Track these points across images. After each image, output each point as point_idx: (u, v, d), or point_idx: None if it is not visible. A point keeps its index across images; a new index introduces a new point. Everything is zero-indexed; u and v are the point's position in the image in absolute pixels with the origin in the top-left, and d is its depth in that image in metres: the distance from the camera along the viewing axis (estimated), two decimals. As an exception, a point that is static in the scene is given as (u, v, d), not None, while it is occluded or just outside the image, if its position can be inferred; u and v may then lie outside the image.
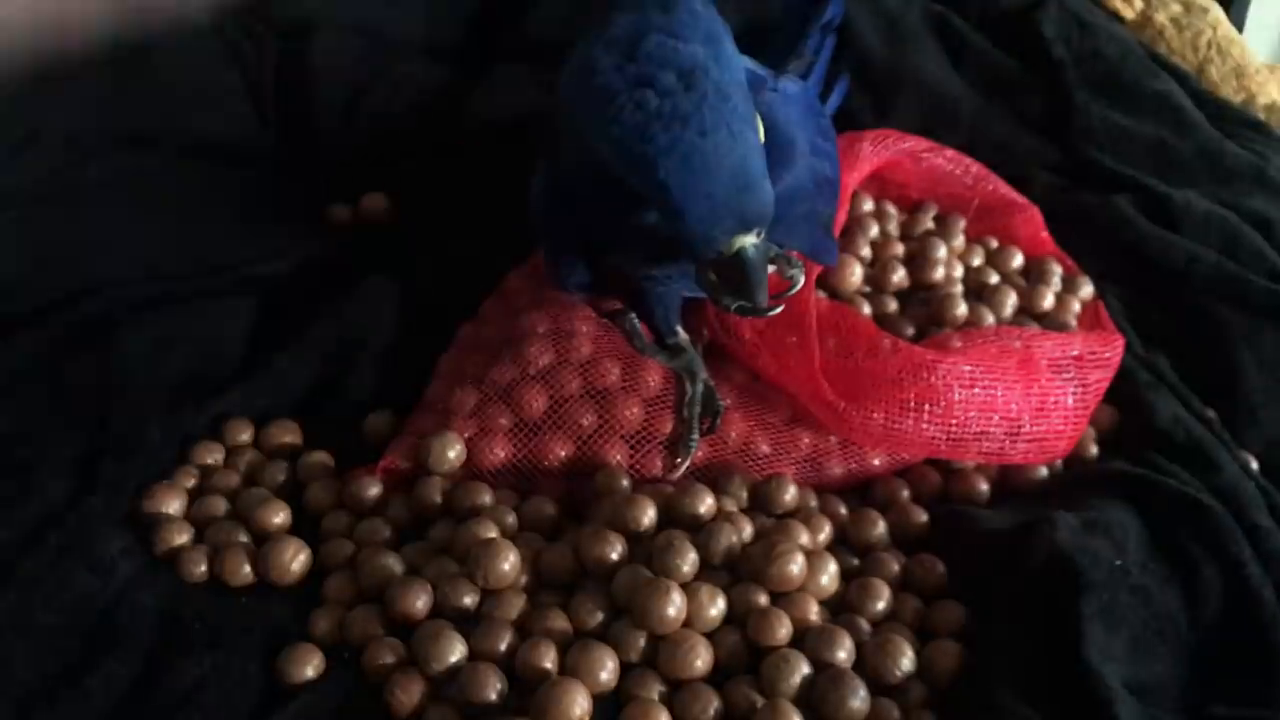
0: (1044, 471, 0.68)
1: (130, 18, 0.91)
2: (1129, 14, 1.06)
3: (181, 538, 0.61)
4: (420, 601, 0.56)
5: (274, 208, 0.84)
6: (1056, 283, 0.79)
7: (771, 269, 0.63)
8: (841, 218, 0.75)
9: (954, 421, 0.63)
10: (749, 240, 0.52)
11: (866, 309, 0.75)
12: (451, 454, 0.63)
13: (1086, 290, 0.79)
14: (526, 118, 0.88)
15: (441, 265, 0.79)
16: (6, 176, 0.77)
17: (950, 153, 0.84)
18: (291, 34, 0.94)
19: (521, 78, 0.94)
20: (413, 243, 0.81)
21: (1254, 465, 0.69)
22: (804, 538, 0.59)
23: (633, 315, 0.68)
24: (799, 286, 0.62)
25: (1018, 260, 0.81)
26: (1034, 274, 0.80)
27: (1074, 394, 0.66)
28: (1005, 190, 0.84)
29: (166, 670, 0.53)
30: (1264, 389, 0.73)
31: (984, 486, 0.66)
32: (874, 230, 0.80)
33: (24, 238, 0.74)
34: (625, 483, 0.63)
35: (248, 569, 0.59)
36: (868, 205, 0.83)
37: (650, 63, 0.50)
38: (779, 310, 0.60)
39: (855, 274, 0.76)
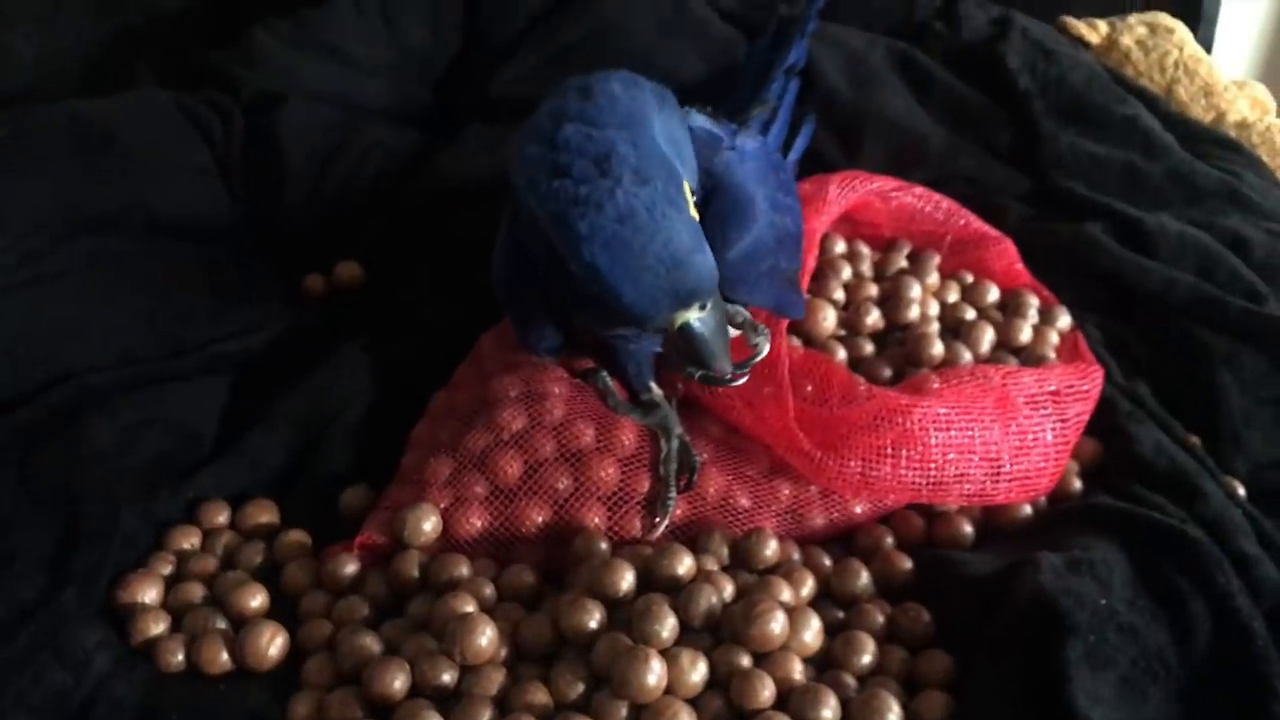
0: (1028, 510, 0.67)
1: (94, 97, 0.91)
2: (1094, 39, 1.06)
3: (158, 627, 0.60)
4: (398, 682, 0.55)
5: (246, 283, 0.84)
6: (1033, 315, 0.78)
7: (737, 333, 0.63)
8: (810, 264, 0.75)
9: (933, 465, 0.63)
10: (691, 315, 0.53)
11: (841, 353, 0.75)
12: (427, 526, 0.63)
13: (1064, 321, 0.79)
14: (495, 179, 0.88)
15: (415, 331, 0.79)
16: (-29, 267, 0.77)
17: (919, 190, 0.83)
18: (258, 107, 0.94)
19: (489, 138, 0.95)
20: (386, 310, 0.81)
21: (1240, 491, 0.68)
22: (786, 594, 0.58)
23: (604, 373, 0.68)
24: (763, 354, 0.63)
25: (993, 294, 0.80)
26: (1010, 307, 0.79)
27: (1053, 429, 0.66)
28: (977, 224, 0.84)
29: (144, 769, 0.52)
30: (1245, 411, 0.73)
31: (968, 529, 0.66)
32: (846, 272, 0.80)
33: (-5, 330, 0.74)
34: (604, 546, 0.62)
35: (225, 656, 0.59)
36: (840, 247, 0.83)
37: (567, 151, 0.51)
38: (743, 381, 0.60)
39: (829, 319, 0.76)
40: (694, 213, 0.53)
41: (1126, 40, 1.05)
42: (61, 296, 0.77)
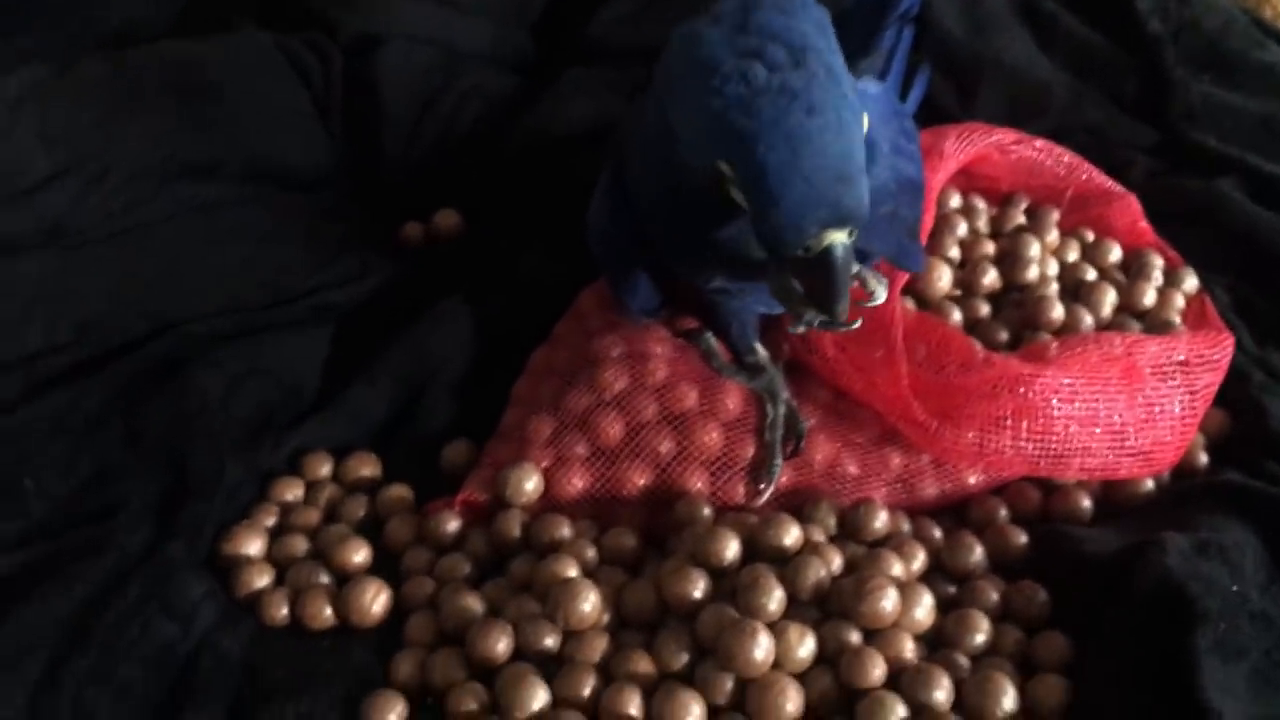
0: (1150, 484, 0.64)
1: (194, 41, 0.91)
2: (1231, -22, 1.00)
3: (262, 580, 0.61)
4: (501, 645, 0.55)
5: (346, 231, 0.83)
6: (1158, 277, 0.75)
7: (853, 282, 0.61)
8: (928, 220, 0.72)
9: (1054, 438, 0.60)
10: (839, 238, 0.49)
11: (956, 315, 0.72)
12: (529, 486, 0.62)
13: (1190, 283, 0.75)
14: (594, 125, 0.86)
15: (514, 285, 0.77)
16: (79, 215, 0.78)
17: (1040, 142, 0.79)
18: (357, 49, 0.93)
19: (589, 82, 0.93)
20: (485, 261, 0.80)
21: (1381, 469, 0.64)
22: (897, 568, 0.57)
23: (709, 334, 0.66)
24: (880, 300, 0.60)
25: (1115, 254, 0.77)
26: (1133, 268, 0.76)
27: (1181, 401, 0.63)
28: (1100, 179, 0.80)
29: (249, 722, 0.53)
30: (1387, 381, 0.69)
31: (1087, 503, 0.63)
32: (962, 228, 0.77)
33: (100, 277, 0.74)
34: (707, 512, 0.61)
35: (329, 611, 0.59)
36: (955, 201, 0.79)
37: (762, 35, 0.48)
38: (857, 325, 0.57)
39: (944, 278, 0.73)
40: None
41: (1265, -21, 0.99)
42: (164, 244, 0.78)
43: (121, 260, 0.76)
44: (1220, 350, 0.66)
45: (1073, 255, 0.77)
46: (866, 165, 0.57)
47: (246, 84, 0.87)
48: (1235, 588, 0.54)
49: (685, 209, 0.55)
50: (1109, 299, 0.73)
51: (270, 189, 0.84)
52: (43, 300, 0.72)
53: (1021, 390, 0.60)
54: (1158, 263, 0.76)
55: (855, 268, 0.60)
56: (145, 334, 0.72)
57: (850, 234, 0.49)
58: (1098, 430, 0.61)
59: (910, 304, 0.72)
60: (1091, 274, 0.75)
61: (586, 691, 0.53)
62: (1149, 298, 0.73)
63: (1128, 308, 0.73)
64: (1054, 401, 0.60)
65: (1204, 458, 0.66)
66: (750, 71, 0.47)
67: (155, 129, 0.83)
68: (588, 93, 0.91)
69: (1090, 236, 0.78)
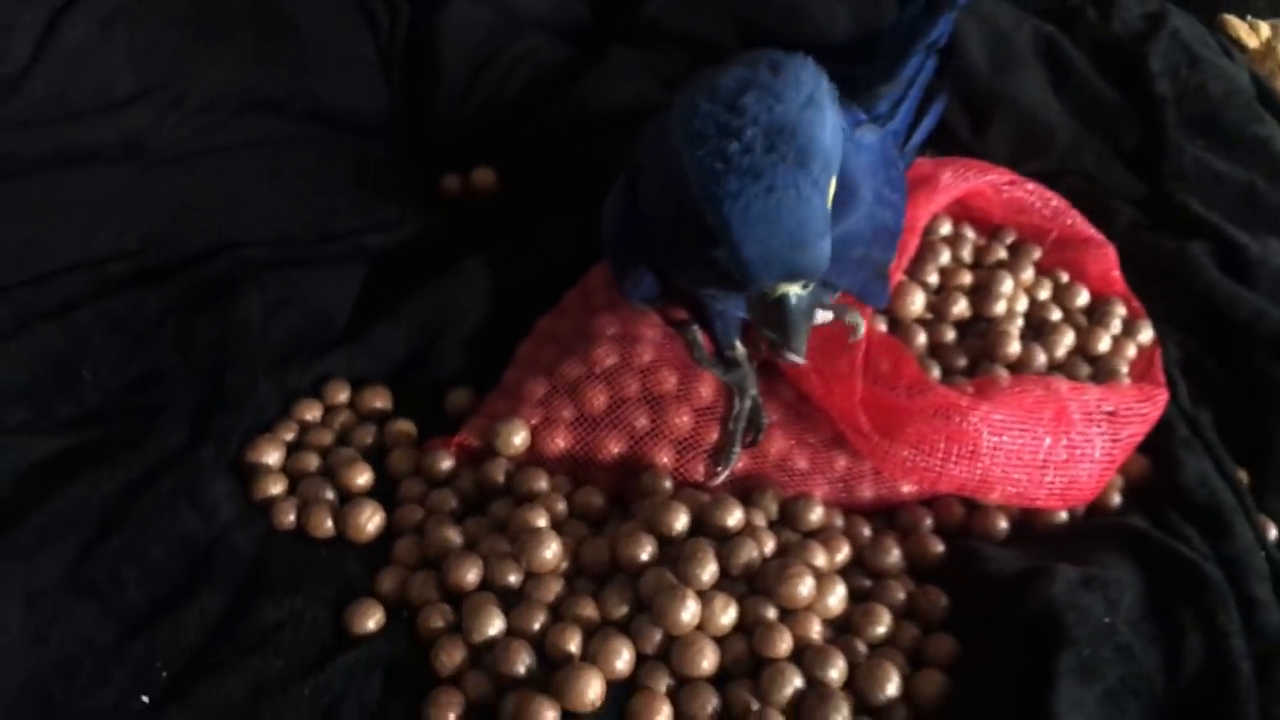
0: (1064, 516, 0.71)
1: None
2: (1252, 42, 1.05)
3: (276, 488, 0.70)
4: (471, 574, 0.64)
5: (391, 178, 0.91)
6: (1117, 325, 0.81)
7: (828, 315, 0.69)
8: (912, 246, 0.79)
9: (980, 465, 0.68)
10: (793, 289, 0.57)
11: (922, 337, 0.79)
12: (517, 439, 0.70)
13: (1146, 335, 0.81)
14: (631, 108, 0.93)
15: (537, 251, 0.85)
16: (158, 135, 0.86)
17: (1031, 185, 0.86)
18: (425, 2, 0.99)
19: (633, 64, 0.99)
20: (513, 224, 0.88)
21: (1273, 533, 0.71)
22: (820, 559, 0.65)
23: (696, 327, 0.74)
24: (859, 336, 0.67)
25: (1084, 298, 0.83)
26: (1096, 314, 0.82)
27: (1103, 447, 0.70)
28: (1083, 226, 0.86)
29: (251, 609, 0.62)
30: (1298, 455, 0.76)
31: (1004, 525, 0.71)
32: (945, 256, 0.84)
33: (168, 194, 0.83)
34: (667, 484, 0.69)
35: (330, 524, 0.68)
36: (946, 228, 0.86)
37: (744, 117, 0.55)
38: (803, 362, 0.66)
39: (917, 302, 0.80)
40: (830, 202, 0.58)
41: (1285, 47, 1.04)
42: (228, 171, 0.86)
43: (189, 181, 0.84)
44: (1152, 404, 0.73)
45: (1044, 294, 0.84)
46: (846, 211, 0.65)
47: (320, 27, 0.94)
48: (1108, 619, 0.61)
49: (684, 226, 0.62)
50: (1066, 340, 0.80)
51: (328, 131, 0.92)
52: (115, 210, 0.81)
53: (957, 419, 0.67)
54: (1120, 312, 0.82)
55: (831, 298, 0.68)
56: (203, 251, 0.81)
57: (805, 286, 0.57)
58: (1022, 463, 0.68)
59: (882, 323, 0.79)
60: (1056, 314, 0.82)
61: (537, 626, 0.61)
62: (1104, 344, 0.80)
63: (1083, 350, 0.80)
64: (985, 433, 0.67)
65: (1118, 498, 0.73)
66: (727, 150, 0.54)
67: (232, 61, 0.90)
68: (630, 75, 0.97)
69: (1064, 278, 0.85)
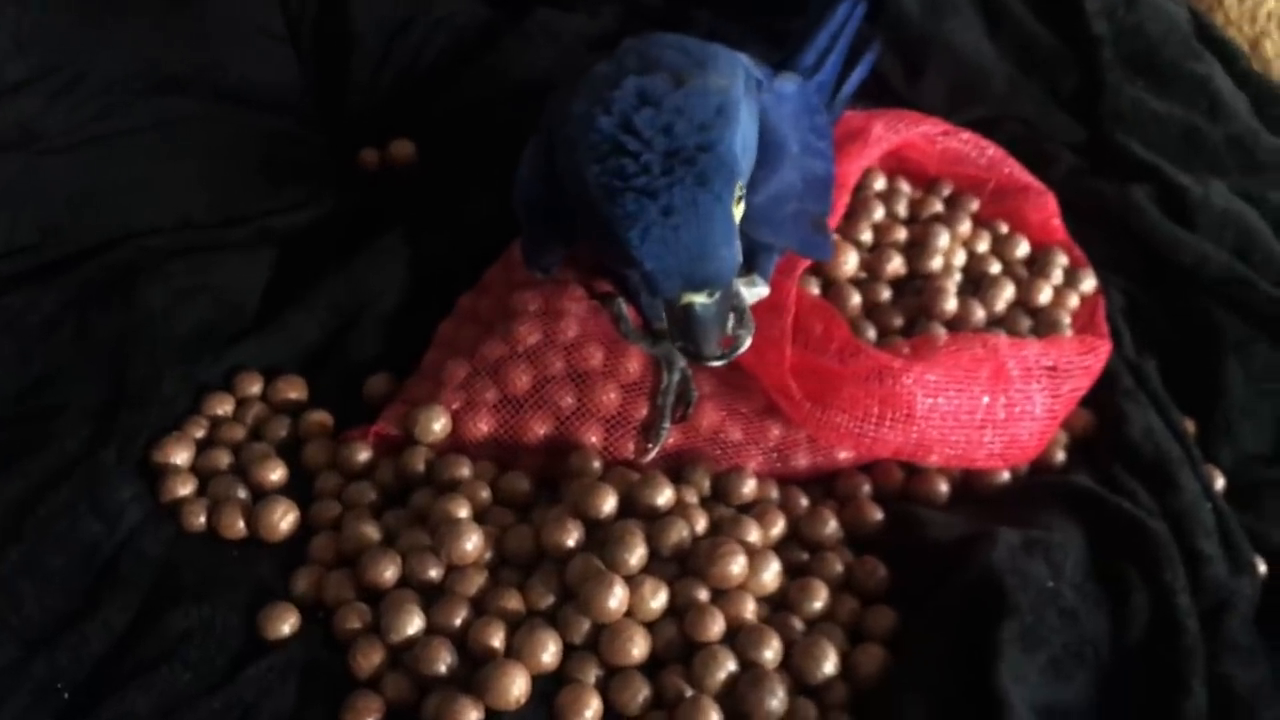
0: (1006, 476, 0.70)
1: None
2: (1192, -24, 1.02)
3: (185, 489, 0.66)
4: (389, 572, 0.61)
5: (303, 156, 0.87)
6: (1058, 276, 0.79)
7: (766, 292, 0.66)
8: (842, 203, 0.76)
9: (915, 428, 0.65)
10: (698, 299, 0.56)
11: (856, 298, 0.76)
12: (437, 426, 0.67)
13: (1088, 285, 0.79)
14: (553, 74, 0.89)
15: (457, 224, 0.82)
16: (53, 119, 0.81)
17: (966, 134, 0.83)
18: (335, -30, 0.96)
19: (557, 27, 0.95)
20: (432, 197, 0.84)
21: (1220, 483, 0.70)
22: (753, 534, 0.62)
23: (621, 300, 0.71)
24: (742, 349, 0.66)
25: (1023, 249, 0.81)
26: (1037, 264, 0.80)
27: (1043, 403, 0.68)
28: (1021, 174, 0.83)
29: (157, 620, 0.59)
30: (1245, 401, 0.74)
31: (944, 488, 0.69)
32: (879, 213, 0.81)
33: (65, 183, 0.79)
34: (596, 465, 0.66)
35: (241, 524, 0.65)
36: (879, 184, 0.83)
37: (641, 137, 0.53)
38: (720, 364, 0.65)
39: (850, 262, 0.77)
40: (737, 209, 0.57)
41: (1225, -17, 1.01)
42: (128, 156, 0.82)
43: (87, 168, 0.80)
44: (1094, 356, 0.70)
45: (982, 246, 0.81)
46: (774, 166, 0.62)
47: (224, 1, 0.90)
48: (1051, 584, 0.60)
49: (594, 212, 0.59)
50: (1005, 294, 0.77)
51: (235, 108, 0.88)
52: (8, 202, 0.77)
53: (890, 382, 0.65)
54: (1061, 261, 0.80)
55: (741, 303, 0.66)
56: (103, 242, 0.77)
57: (711, 294, 0.56)
58: (959, 424, 0.66)
59: (815, 285, 0.76)
60: (996, 267, 0.80)
61: (458, 622, 0.59)
62: (1045, 296, 0.78)
63: (1024, 303, 0.78)
64: (919, 395, 0.65)
65: (1062, 455, 0.71)
66: (625, 170, 0.53)
67: (130, 39, 0.86)
68: (553, 39, 0.94)
69: (1004, 229, 0.82)
